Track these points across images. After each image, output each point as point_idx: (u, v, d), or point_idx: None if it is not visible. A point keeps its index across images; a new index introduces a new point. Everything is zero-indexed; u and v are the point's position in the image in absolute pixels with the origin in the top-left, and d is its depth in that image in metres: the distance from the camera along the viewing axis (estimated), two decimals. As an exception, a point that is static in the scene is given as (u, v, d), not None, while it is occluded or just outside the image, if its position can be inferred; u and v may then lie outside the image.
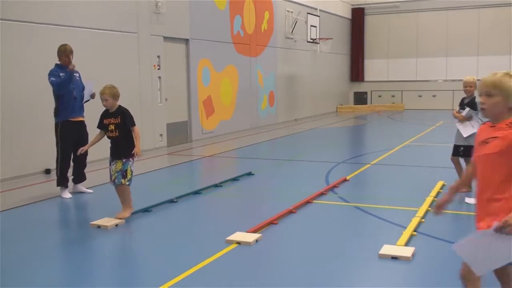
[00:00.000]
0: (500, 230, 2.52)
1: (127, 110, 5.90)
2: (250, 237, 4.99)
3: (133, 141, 5.81)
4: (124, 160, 5.79)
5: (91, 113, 7.03)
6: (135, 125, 5.86)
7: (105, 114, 5.90)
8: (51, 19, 8.90)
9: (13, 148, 8.23)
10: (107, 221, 5.66)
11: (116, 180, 5.80)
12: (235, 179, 7.98)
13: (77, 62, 8.89)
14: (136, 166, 9.31)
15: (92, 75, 9.16)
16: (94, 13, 9.78)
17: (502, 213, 2.65)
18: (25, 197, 7.09)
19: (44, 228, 5.95)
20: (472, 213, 5.85)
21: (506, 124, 2.72)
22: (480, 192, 2.82)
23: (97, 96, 6.10)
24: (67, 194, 7.03)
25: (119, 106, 5.87)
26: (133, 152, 5.75)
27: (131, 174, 5.84)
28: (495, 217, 2.64)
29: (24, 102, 8.10)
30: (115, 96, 5.79)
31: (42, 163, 8.53)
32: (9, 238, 5.31)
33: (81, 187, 7.32)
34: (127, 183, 5.81)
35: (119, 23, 10.40)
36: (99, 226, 5.58)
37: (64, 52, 6.93)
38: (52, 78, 6.85)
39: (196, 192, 7.10)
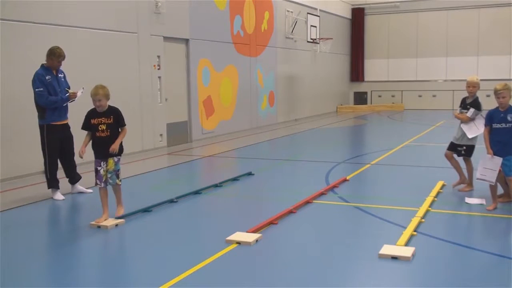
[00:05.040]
0: None
1: (119, 110, 5.85)
2: (250, 237, 4.99)
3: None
4: (116, 160, 5.80)
5: (78, 114, 6.96)
6: (125, 125, 5.87)
7: (93, 114, 5.79)
8: (51, 19, 8.90)
9: (13, 148, 8.23)
10: (107, 221, 5.66)
11: (111, 181, 5.78)
12: (235, 179, 7.98)
13: (77, 62, 8.95)
14: (136, 166, 9.39)
15: (92, 75, 9.18)
16: (94, 13, 9.77)
17: None
18: (25, 197, 7.09)
19: (43, 228, 5.96)
20: (472, 213, 5.88)
21: None
22: None
23: (86, 98, 6.03)
24: (59, 196, 6.98)
25: (109, 105, 5.80)
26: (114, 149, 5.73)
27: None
28: None
29: (24, 102, 8.09)
30: (108, 96, 5.75)
31: (42, 163, 8.52)
32: (9, 238, 5.31)
33: (80, 187, 7.31)
34: (120, 183, 5.87)
35: (119, 23, 10.40)
36: (99, 226, 5.58)
37: (58, 57, 6.84)
38: (39, 92, 6.73)
39: (196, 192, 7.09)
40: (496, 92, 6.03)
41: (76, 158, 7.34)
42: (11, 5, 8.20)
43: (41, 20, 8.70)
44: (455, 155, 7.08)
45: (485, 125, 6.19)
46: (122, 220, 5.73)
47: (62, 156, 7.14)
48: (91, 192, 7.27)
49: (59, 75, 7.02)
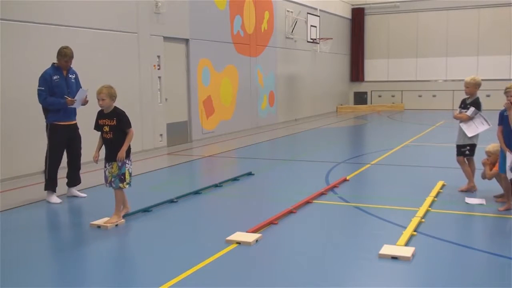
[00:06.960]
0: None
1: (123, 112, 5.73)
2: (250, 237, 4.99)
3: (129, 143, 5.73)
4: (120, 164, 5.66)
5: (86, 115, 7.01)
6: (131, 127, 5.72)
7: (100, 115, 5.76)
8: (51, 19, 8.90)
9: (13, 148, 8.23)
10: (108, 221, 5.65)
11: (113, 185, 5.70)
12: (235, 179, 7.98)
13: (77, 63, 8.89)
14: (136, 166, 9.37)
15: (92, 75, 9.19)
16: (94, 13, 9.77)
17: None
18: (24, 198, 7.08)
19: (44, 228, 5.96)
20: (472, 213, 5.88)
21: None
22: None
23: (94, 98, 5.98)
24: (55, 199, 6.79)
25: (115, 107, 5.72)
26: (127, 154, 5.69)
27: (130, 176, 5.75)
28: None
29: (24, 102, 8.10)
30: (112, 96, 5.64)
31: (42, 163, 8.52)
32: (9, 239, 5.31)
33: (75, 190, 7.11)
34: (127, 187, 5.74)
35: (119, 23, 10.40)
36: (99, 226, 5.57)
37: (64, 57, 6.76)
38: (39, 91, 6.69)
39: (196, 192, 7.09)
40: (506, 91, 5.80)
41: (83, 160, 7.27)
42: (11, 5, 8.20)
43: (41, 20, 8.70)
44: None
45: (498, 125, 5.94)
46: (122, 220, 5.73)
47: (69, 156, 7.08)
48: (85, 197, 7.08)
49: (70, 76, 6.92)
